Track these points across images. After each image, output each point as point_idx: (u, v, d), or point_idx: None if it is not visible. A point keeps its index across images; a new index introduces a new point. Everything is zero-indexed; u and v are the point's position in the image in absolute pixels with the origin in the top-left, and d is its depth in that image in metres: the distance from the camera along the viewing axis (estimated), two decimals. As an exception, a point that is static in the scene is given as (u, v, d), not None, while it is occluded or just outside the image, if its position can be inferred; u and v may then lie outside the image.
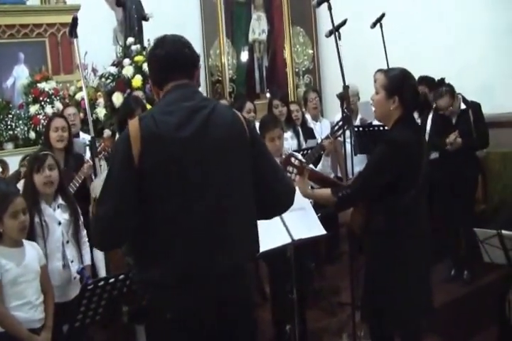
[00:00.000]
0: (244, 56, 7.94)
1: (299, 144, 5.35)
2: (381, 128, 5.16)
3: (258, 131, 3.33)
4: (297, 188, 2.89)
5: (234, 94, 7.81)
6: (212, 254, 2.22)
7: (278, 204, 2.46)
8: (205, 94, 7.85)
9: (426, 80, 5.63)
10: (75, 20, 4.09)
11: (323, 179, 3.25)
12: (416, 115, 3.16)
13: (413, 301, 3.02)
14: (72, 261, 3.49)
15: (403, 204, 2.89)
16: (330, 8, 3.72)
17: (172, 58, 2.32)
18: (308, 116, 5.98)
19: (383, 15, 5.06)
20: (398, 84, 2.96)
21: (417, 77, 5.59)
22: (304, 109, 6.02)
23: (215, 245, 2.23)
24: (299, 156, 3.10)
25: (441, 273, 5.38)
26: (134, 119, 2.27)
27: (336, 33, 4.47)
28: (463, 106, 5.13)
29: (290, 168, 3.09)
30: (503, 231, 3.78)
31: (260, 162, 2.35)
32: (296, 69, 7.55)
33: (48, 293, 3.23)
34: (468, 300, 4.91)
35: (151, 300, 2.31)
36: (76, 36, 3.99)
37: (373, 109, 3.39)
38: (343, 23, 4.49)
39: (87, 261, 3.63)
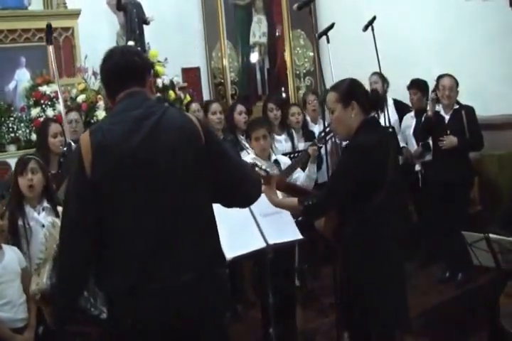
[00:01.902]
0: (254, 57, 7.98)
1: (293, 147, 5.39)
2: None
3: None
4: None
5: (236, 96, 7.87)
6: (165, 265, 2.21)
7: (245, 198, 2.49)
8: (208, 97, 7.97)
9: (417, 83, 5.67)
10: (49, 27, 4.11)
11: (292, 188, 3.22)
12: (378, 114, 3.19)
13: (389, 311, 3.01)
14: None
15: (372, 208, 2.90)
16: (310, 12, 3.73)
17: (121, 68, 2.35)
18: (308, 119, 6.00)
19: (374, 18, 5.09)
20: (350, 90, 3.00)
21: (409, 78, 5.77)
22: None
23: (168, 256, 2.22)
24: (264, 166, 3.09)
25: (435, 274, 5.42)
26: (85, 133, 2.30)
27: (325, 36, 4.57)
28: (456, 106, 5.15)
29: None
30: (490, 235, 3.79)
31: (219, 161, 2.35)
32: (297, 72, 7.58)
33: (29, 294, 3.25)
34: (461, 302, 4.92)
35: (109, 310, 2.34)
36: (51, 43, 3.99)
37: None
38: (331, 26, 4.54)
39: None
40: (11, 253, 3.31)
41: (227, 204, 2.51)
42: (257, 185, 2.53)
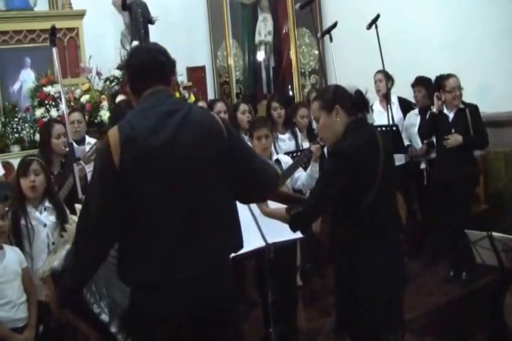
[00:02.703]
0: (260, 56, 7.98)
1: (297, 146, 5.35)
2: (383, 128, 5.19)
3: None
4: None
5: (241, 95, 7.87)
6: (190, 254, 2.28)
7: (264, 189, 2.58)
8: (212, 96, 7.99)
9: (422, 81, 5.64)
10: (53, 29, 4.14)
11: (283, 196, 3.09)
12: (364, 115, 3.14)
13: (382, 316, 2.97)
14: None
15: (363, 210, 2.86)
16: (312, 11, 3.72)
17: (147, 66, 2.41)
18: (312, 117, 5.99)
19: (378, 16, 5.07)
20: (331, 95, 2.97)
21: (415, 77, 5.74)
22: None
23: (192, 245, 2.28)
24: None
25: (440, 273, 5.38)
26: (114, 128, 2.34)
27: (328, 35, 4.58)
28: (460, 105, 5.12)
29: None
30: (493, 233, 3.77)
31: (241, 157, 2.44)
32: (302, 70, 7.56)
33: (31, 294, 3.33)
34: (466, 301, 4.88)
35: (134, 303, 2.36)
36: (55, 45, 4.02)
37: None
38: (334, 25, 4.54)
39: None
40: (12, 253, 3.34)
41: (244, 199, 2.60)
42: (275, 181, 2.60)
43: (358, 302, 2.96)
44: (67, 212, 3.68)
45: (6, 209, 3.55)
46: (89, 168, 4.69)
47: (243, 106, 5.53)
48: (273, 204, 3.00)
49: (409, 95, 5.94)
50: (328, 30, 4.51)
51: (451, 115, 5.14)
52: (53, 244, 3.57)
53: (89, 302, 2.54)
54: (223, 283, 2.39)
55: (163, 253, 2.27)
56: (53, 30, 4.12)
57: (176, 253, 2.27)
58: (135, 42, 6.82)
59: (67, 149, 4.49)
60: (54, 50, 3.98)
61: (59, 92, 6.17)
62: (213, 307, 2.34)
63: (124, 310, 2.49)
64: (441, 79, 5.12)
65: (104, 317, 2.55)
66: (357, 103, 3.01)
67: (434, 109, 5.13)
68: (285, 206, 2.95)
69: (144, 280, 2.29)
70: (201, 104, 6.08)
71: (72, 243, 2.55)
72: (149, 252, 2.27)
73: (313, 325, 4.60)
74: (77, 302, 2.52)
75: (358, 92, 3.04)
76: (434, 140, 5.31)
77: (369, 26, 5.10)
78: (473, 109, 5.11)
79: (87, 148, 4.84)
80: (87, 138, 5.31)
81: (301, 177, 4.34)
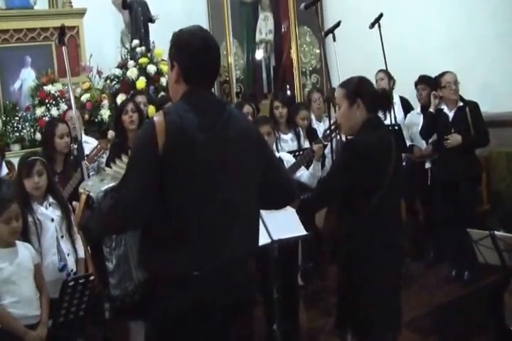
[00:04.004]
0: (260, 55, 7.97)
1: (299, 146, 5.34)
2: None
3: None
4: None
5: (241, 95, 7.85)
6: (222, 246, 2.31)
7: (286, 196, 2.62)
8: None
9: (426, 79, 5.64)
10: (62, 28, 4.15)
11: None
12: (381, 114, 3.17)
13: (381, 312, 3.01)
14: (68, 255, 3.66)
15: (370, 206, 2.90)
16: (317, 11, 3.71)
17: (214, 68, 2.44)
18: (312, 117, 5.98)
19: (381, 15, 5.07)
20: (356, 87, 3.01)
21: (417, 76, 5.74)
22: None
23: (225, 237, 2.32)
24: None
25: (442, 273, 5.39)
26: (158, 113, 2.35)
27: (332, 34, 4.57)
28: (460, 103, 5.11)
29: None
30: (496, 232, 3.77)
31: (270, 161, 2.50)
32: (303, 69, 7.56)
33: (42, 290, 3.36)
34: (468, 301, 4.88)
35: (160, 294, 2.34)
36: (64, 44, 4.04)
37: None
38: (337, 24, 4.53)
39: (81, 254, 3.76)
40: (24, 250, 3.36)
41: (268, 205, 2.62)
42: (294, 191, 2.63)
43: (358, 298, 2.99)
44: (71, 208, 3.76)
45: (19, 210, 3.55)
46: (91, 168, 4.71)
47: (247, 108, 5.52)
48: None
49: (411, 95, 5.95)
50: (332, 30, 4.50)
51: (451, 114, 5.14)
52: (62, 237, 3.64)
53: (105, 244, 2.50)
54: (247, 277, 2.48)
55: (194, 243, 2.27)
56: (62, 30, 4.13)
57: (207, 245, 2.28)
58: (135, 41, 6.81)
59: (68, 149, 4.50)
60: (64, 49, 3.99)
61: (59, 91, 6.22)
62: (239, 300, 2.39)
63: (134, 279, 2.46)
64: (438, 77, 5.15)
65: (110, 265, 2.50)
66: (379, 100, 3.04)
67: (431, 109, 5.14)
68: None
69: (174, 269, 2.28)
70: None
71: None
72: (181, 241, 2.27)
73: (315, 325, 4.61)
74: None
75: (383, 91, 3.08)
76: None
77: (372, 25, 5.10)
78: (473, 106, 5.10)
79: (85, 146, 4.84)
80: (84, 137, 5.31)
81: (303, 176, 4.37)
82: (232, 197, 2.32)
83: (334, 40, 4.61)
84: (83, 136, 5.30)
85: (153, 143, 2.23)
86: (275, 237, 3.37)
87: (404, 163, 5.56)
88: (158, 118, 2.28)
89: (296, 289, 4.42)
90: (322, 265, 5.43)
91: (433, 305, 4.78)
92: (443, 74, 5.11)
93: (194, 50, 2.35)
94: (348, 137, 3.20)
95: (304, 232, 3.45)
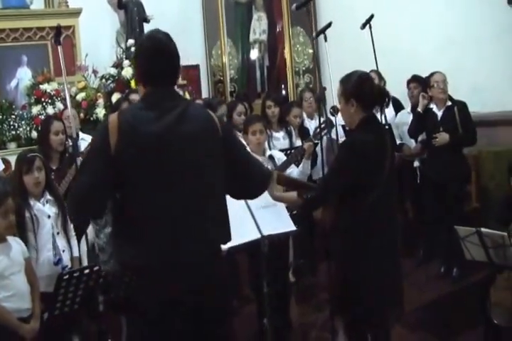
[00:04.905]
0: (254, 54, 8.05)
1: (291, 144, 5.41)
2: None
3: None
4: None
5: (235, 94, 7.92)
6: (187, 240, 2.36)
7: (254, 185, 2.64)
8: (207, 94, 8.03)
9: (418, 79, 5.72)
10: (58, 28, 4.21)
11: (293, 182, 3.33)
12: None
13: (378, 293, 3.10)
14: (63, 251, 3.70)
15: (368, 203, 2.99)
16: (309, 12, 3.77)
17: (171, 68, 2.48)
18: (304, 116, 6.04)
19: (372, 16, 5.12)
20: (352, 88, 3.08)
21: (408, 76, 5.81)
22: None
23: (185, 233, 2.36)
24: (260, 159, 3.23)
25: (432, 271, 5.44)
26: (114, 113, 2.44)
27: (323, 35, 4.63)
28: (449, 102, 5.19)
29: None
30: (482, 229, 3.82)
31: (234, 154, 2.52)
32: (297, 69, 7.63)
33: (33, 284, 3.39)
34: (457, 297, 4.95)
35: (131, 287, 2.48)
36: (60, 44, 4.09)
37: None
38: (329, 25, 4.59)
39: (75, 253, 3.81)
40: (15, 244, 3.40)
41: (235, 195, 2.67)
42: (267, 180, 2.67)
43: (352, 288, 3.08)
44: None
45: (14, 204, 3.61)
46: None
47: (240, 108, 5.58)
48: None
49: (402, 95, 6.02)
50: (323, 30, 4.56)
51: (439, 113, 5.21)
52: (58, 234, 3.69)
53: (96, 222, 2.61)
54: (216, 272, 2.45)
55: (160, 237, 2.34)
56: (58, 30, 4.18)
57: (173, 239, 2.34)
58: (131, 41, 6.87)
59: (63, 147, 4.56)
60: (59, 48, 4.05)
61: (55, 90, 6.28)
62: (204, 295, 2.39)
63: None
64: (428, 77, 5.24)
65: (100, 242, 2.60)
66: (376, 98, 3.13)
67: (419, 109, 5.22)
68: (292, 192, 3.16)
69: (140, 261, 2.35)
70: (197, 102, 6.15)
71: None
72: (146, 235, 2.34)
73: (307, 320, 4.66)
74: None
75: (379, 87, 3.14)
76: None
77: (363, 26, 5.15)
78: (462, 106, 5.17)
79: (82, 143, 4.90)
80: (81, 134, 5.37)
81: (293, 173, 4.42)
82: (187, 191, 2.37)
83: (325, 40, 4.66)
84: (80, 133, 5.37)
85: (106, 143, 2.33)
86: (265, 233, 3.40)
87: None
88: (112, 117, 2.40)
89: (288, 285, 4.47)
90: (314, 261, 5.49)
91: (423, 301, 4.82)
92: (432, 74, 5.19)
93: (147, 52, 2.47)
94: (346, 136, 3.29)
95: (293, 228, 3.50)
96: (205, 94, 8.05)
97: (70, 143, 4.59)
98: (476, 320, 4.17)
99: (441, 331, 4.41)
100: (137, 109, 2.43)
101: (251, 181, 2.59)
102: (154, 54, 2.43)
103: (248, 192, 2.69)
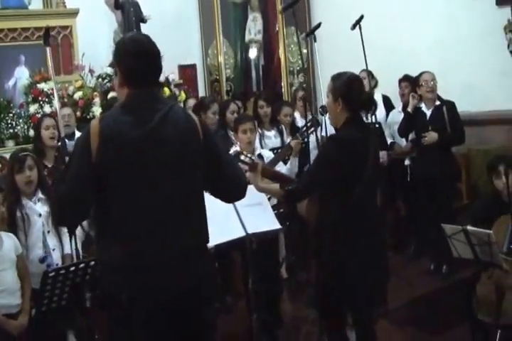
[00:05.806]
0: (249, 54, 8.12)
1: (283, 143, 5.48)
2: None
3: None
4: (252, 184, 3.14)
5: (231, 93, 8.01)
6: (158, 243, 2.38)
7: (232, 190, 2.67)
8: (203, 93, 8.11)
9: (409, 78, 5.81)
10: (47, 30, 4.29)
11: (277, 175, 3.43)
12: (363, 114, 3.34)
13: (365, 293, 3.21)
14: (53, 250, 3.75)
15: (351, 197, 3.07)
16: (294, 14, 3.86)
17: (153, 70, 2.49)
18: (297, 115, 6.11)
19: (362, 17, 5.20)
20: (341, 88, 3.16)
21: (400, 76, 5.89)
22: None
23: (162, 233, 2.39)
24: (249, 154, 3.31)
25: (422, 267, 5.52)
26: (96, 119, 2.48)
27: (313, 35, 4.72)
28: (437, 102, 5.26)
29: (241, 165, 3.23)
30: (468, 227, 3.89)
31: (214, 157, 2.54)
32: (291, 68, 7.72)
33: (24, 280, 3.45)
34: (446, 293, 5.01)
35: (105, 284, 2.46)
36: (49, 45, 4.15)
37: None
38: (318, 26, 4.68)
39: (67, 250, 3.84)
40: (8, 240, 3.46)
41: (215, 196, 2.70)
42: (244, 186, 2.69)
43: (341, 284, 3.17)
44: None
45: (3, 198, 3.69)
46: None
47: (233, 106, 5.64)
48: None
49: (393, 94, 6.10)
50: (312, 31, 4.65)
51: (428, 112, 5.29)
52: (48, 232, 3.73)
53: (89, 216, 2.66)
54: (202, 271, 2.48)
55: (144, 237, 2.37)
56: (47, 31, 4.25)
57: (157, 239, 2.38)
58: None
59: (57, 143, 4.64)
60: (48, 49, 4.10)
61: (52, 89, 6.33)
62: (185, 294, 2.41)
63: None
64: (417, 76, 5.31)
65: (92, 234, 2.69)
66: (363, 104, 3.20)
67: (409, 108, 5.29)
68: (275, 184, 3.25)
69: (124, 262, 2.37)
70: (192, 101, 6.22)
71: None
72: (130, 235, 2.37)
73: (298, 316, 4.73)
74: None
75: (367, 94, 3.23)
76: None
77: (353, 27, 5.22)
78: (451, 106, 5.25)
79: None
80: (77, 133, 5.43)
81: (281, 171, 4.48)
82: (170, 192, 2.40)
83: (315, 40, 4.75)
84: (76, 132, 5.46)
85: (87, 148, 2.36)
86: (250, 231, 3.46)
87: (385, 159, 5.76)
88: (94, 123, 2.41)
89: (278, 280, 4.54)
90: (306, 257, 5.56)
91: (412, 297, 4.90)
92: (421, 73, 5.27)
93: (129, 54, 2.46)
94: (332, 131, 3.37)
95: (278, 226, 3.56)
96: (201, 93, 8.13)
97: (67, 141, 4.65)
98: (462, 316, 4.24)
99: (430, 326, 4.48)
100: (118, 114, 2.44)
101: (231, 184, 2.62)
102: (139, 55, 2.44)
103: (227, 195, 2.71)
